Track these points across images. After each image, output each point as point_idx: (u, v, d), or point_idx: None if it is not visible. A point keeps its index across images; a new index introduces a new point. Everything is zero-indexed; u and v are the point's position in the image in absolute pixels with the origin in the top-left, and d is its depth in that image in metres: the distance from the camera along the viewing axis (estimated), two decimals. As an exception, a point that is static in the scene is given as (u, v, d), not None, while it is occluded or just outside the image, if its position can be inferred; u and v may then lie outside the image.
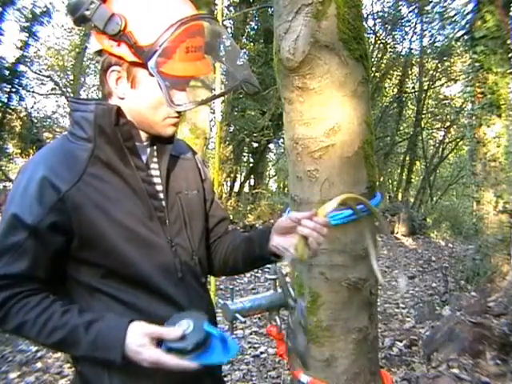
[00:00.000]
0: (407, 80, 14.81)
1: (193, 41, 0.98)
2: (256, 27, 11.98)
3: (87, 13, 0.95)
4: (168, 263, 1.07)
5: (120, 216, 1.00)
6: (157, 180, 1.11)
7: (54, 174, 0.98)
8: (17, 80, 10.51)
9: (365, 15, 11.98)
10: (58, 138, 1.10)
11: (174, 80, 0.99)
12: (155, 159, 1.13)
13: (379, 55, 13.51)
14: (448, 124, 15.20)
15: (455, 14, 6.84)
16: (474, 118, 5.51)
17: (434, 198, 15.37)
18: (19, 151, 11.69)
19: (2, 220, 0.98)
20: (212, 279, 3.85)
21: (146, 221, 1.05)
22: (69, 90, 13.60)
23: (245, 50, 10.61)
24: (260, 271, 6.47)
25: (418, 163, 16.27)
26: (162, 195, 1.10)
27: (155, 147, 1.13)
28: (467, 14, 5.64)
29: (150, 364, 0.93)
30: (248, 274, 6.65)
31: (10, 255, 0.96)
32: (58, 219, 0.96)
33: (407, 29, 13.52)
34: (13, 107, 11.07)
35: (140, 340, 0.93)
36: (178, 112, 1.05)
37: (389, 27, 13.08)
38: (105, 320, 0.97)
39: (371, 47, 12.69)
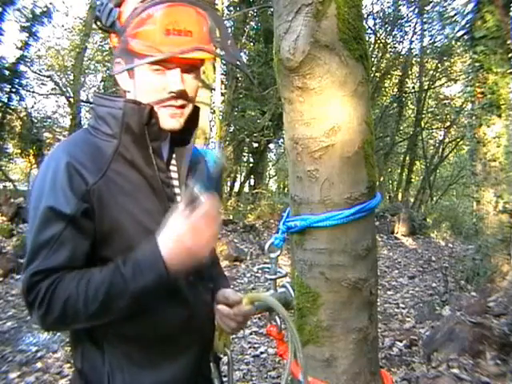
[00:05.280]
0: (407, 80, 14.82)
1: (174, 23, 0.95)
2: (256, 27, 12.00)
3: (98, 14, 1.00)
4: None
5: (138, 214, 1.00)
6: (175, 182, 1.10)
7: (79, 162, 0.96)
8: (17, 80, 10.54)
9: (365, 15, 11.99)
10: (78, 132, 1.09)
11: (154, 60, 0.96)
12: (174, 161, 1.12)
13: (379, 55, 13.51)
14: (448, 124, 15.22)
15: (455, 14, 6.85)
16: (473, 118, 5.51)
17: (434, 198, 15.38)
18: (19, 151, 11.73)
19: (34, 217, 0.95)
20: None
21: (162, 221, 1.03)
22: (69, 89, 13.61)
23: (245, 50, 10.63)
24: (260, 271, 6.47)
25: (418, 163, 16.28)
26: (178, 198, 1.09)
27: (173, 149, 1.12)
28: (467, 13, 5.63)
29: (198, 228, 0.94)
30: (248, 274, 6.66)
31: (47, 249, 0.92)
32: (87, 206, 0.96)
33: (407, 29, 13.57)
34: (13, 107, 11.10)
35: (175, 226, 0.94)
36: (175, 98, 1.01)
37: (389, 27, 13.10)
38: (135, 251, 0.96)
39: (371, 47, 12.70)
